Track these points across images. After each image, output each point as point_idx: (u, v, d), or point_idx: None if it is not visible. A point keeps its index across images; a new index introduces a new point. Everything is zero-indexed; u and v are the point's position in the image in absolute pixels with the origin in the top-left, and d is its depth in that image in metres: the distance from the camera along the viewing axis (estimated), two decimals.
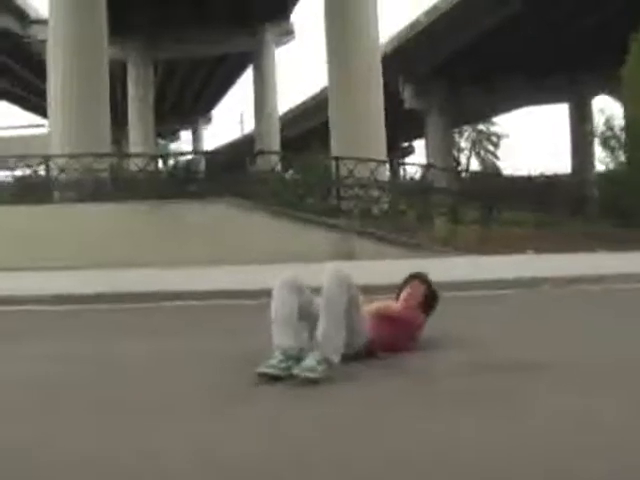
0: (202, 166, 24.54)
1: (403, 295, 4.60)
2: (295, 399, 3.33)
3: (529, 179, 24.11)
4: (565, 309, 7.08)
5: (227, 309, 7.83)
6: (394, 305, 4.49)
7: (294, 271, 4.10)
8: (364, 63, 21.79)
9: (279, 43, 41.69)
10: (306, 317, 3.84)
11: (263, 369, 3.57)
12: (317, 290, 3.91)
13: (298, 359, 3.60)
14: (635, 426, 2.79)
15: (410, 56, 35.15)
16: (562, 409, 3.07)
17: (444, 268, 9.82)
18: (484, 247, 14.79)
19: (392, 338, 4.19)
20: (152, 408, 3.29)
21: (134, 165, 19.11)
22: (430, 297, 4.62)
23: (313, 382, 3.46)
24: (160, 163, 21.90)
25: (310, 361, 3.55)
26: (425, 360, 4.18)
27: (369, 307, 4.22)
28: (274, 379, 3.53)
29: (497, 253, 13.85)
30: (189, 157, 33.41)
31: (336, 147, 21.19)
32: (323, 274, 3.84)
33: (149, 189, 16.93)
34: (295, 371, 3.53)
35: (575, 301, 7.73)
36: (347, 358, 3.80)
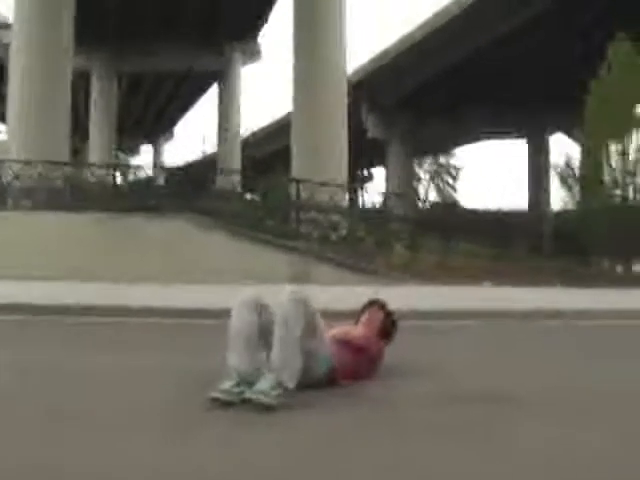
0: (162, 181, 24.22)
1: (362, 321, 4.49)
2: (249, 425, 3.15)
3: (487, 213, 24.38)
4: (526, 342, 7.01)
5: (182, 327, 7.63)
6: (354, 331, 4.35)
7: (255, 290, 3.93)
8: (330, 91, 21.82)
9: (246, 63, 41.67)
10: (265, 337, 3.67)
11: (216, 394, 3.39)
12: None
13: (252, 383, 3.42)
14: (614, 456, 2.73)
15: (375, 86, 35.50)
16: (531, 439, 2.96)
17: (403, 296, 9.75)
18: (442, 276, 14.80)
19: (354, 365, 4.05)
20: (100, 423, 3.15)
21: (91, 176, 18.75)
22: (389, 324, 4.51)
23: (267, 408, 3.29)
24: (119, 176, 21.55)
25: (263, 384, 3.37)
26: (387, 389, 4.03)
27: (328, 333, 4.07)
28: (227, 404, 3.36)
29: (455, 284, 13.86)
30: (149, 171, 32.97)
31: (298, 171, 21.14)
32: (281, 296, 3.67)
33: (107, 201, 16.61)
34: (247, 395, 3.35)
35: (536, 334, 7.70)
36: (307, 385, 3.63)
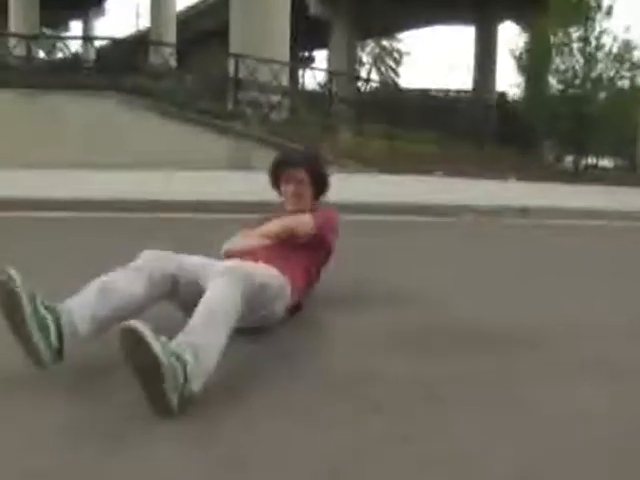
0: (92, 57, 22.49)
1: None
2: None
3: (431, 97, 23.61)
4: (495, 246, 6.16)
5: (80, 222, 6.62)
6: (301, 218, 3.17)
7: (162, 253, 2.74)
8: None
9: None
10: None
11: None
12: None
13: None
14: None
15: None
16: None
17: (354, 186, 8.91)
18: (391, 164, 13.94)
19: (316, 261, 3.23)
20: None
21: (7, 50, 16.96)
22: (320, 183, 3.36)
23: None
24: (42, 52, 19.74)
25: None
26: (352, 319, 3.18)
27: (272, 231, 3.08)
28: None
29: (405, 172, 13.04)
30: (75, 46, 30.72)
31: (236, 48, 19.58)
32: (212, 271, 2.55)
33: (24, 77, 15.00)
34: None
35: (504, 236, 6.88)
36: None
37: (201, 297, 2.33)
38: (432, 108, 21.50)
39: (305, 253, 3.09)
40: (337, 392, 2.17)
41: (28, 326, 2.18)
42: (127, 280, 2.52)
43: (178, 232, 5.71)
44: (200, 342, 2.13)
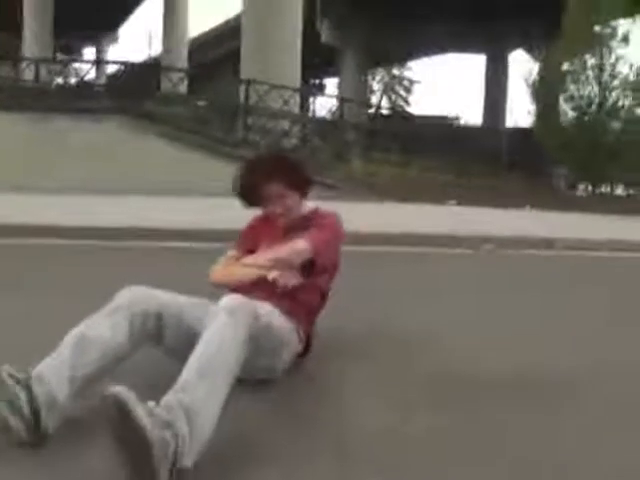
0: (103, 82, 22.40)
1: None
2: None
3: (443, 126, 23.42)
4: (519, 281, 5.76)
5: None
6: (296, 247, 2.64)
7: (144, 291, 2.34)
8: None
9: None
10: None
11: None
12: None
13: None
14: None
15: None
16: None
17: (366, 216, 8.58)
18: (404, 192, 13.62)
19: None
20: None
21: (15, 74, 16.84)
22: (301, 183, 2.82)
23: None
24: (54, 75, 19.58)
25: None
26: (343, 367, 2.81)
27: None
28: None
29: (418, 200, 12.71)
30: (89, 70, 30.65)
31: (247, 72, 19.38)
32: (206, 314, 2.21)
33: (30, 99, 14.79)
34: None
35: (527, 269, 6.48)
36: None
37: (191, 343, 1.97)
38: (444, 136, 21.28)
39: (308, 282, 2.66)
40: (357, 465, 1.81)
41: None
42: (105, 326, 2.14)
43: (173, 263, 5.42)
44: (195, 403, 1.77)
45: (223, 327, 1.97)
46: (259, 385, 2.33)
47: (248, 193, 2.78)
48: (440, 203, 13.18)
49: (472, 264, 6.64)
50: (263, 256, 2.65)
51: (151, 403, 1.70)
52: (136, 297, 2.28)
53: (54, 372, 1.98)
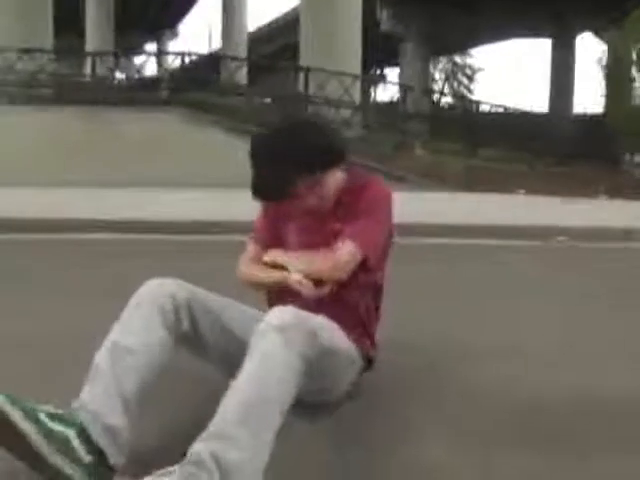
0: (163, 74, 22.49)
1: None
2: None
3: (509, 114, 22.74)
4: (598, 277, 5.18)
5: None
6: (339, 257, 2.01)
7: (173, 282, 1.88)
8: None
9: None
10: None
11: None
12: None
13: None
14: None
15: None
16: None
17: (431, 206, 8.16)
18: (469, 183, 13.09)
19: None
20: None
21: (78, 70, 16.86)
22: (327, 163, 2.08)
23: None
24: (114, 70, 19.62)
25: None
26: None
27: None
28: None
29: (484, 191, 12.17)
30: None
31: (306, 60, 19.02)
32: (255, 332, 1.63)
33: (89, 94, 14.75)
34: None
35: (606, 263, 5.88)
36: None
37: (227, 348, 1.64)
38: (510, 124, 20.62)
39: (362, 285, 2.13)
40: None
41: (41, 453, 1.42)
42: (137, 328, 1.71)
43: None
44: (232, 457, 1.35)
45: (272, 351, 1.52)
46: (311, 408, 1.91)
47: (270, 197, 2.09)
48: (508, 193, 12.61)
49: (547, 258, 6.12)
50: (294, 258, 2.06)
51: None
52: (161, 286, 1.83)
53: (100, 398, 1.57)
